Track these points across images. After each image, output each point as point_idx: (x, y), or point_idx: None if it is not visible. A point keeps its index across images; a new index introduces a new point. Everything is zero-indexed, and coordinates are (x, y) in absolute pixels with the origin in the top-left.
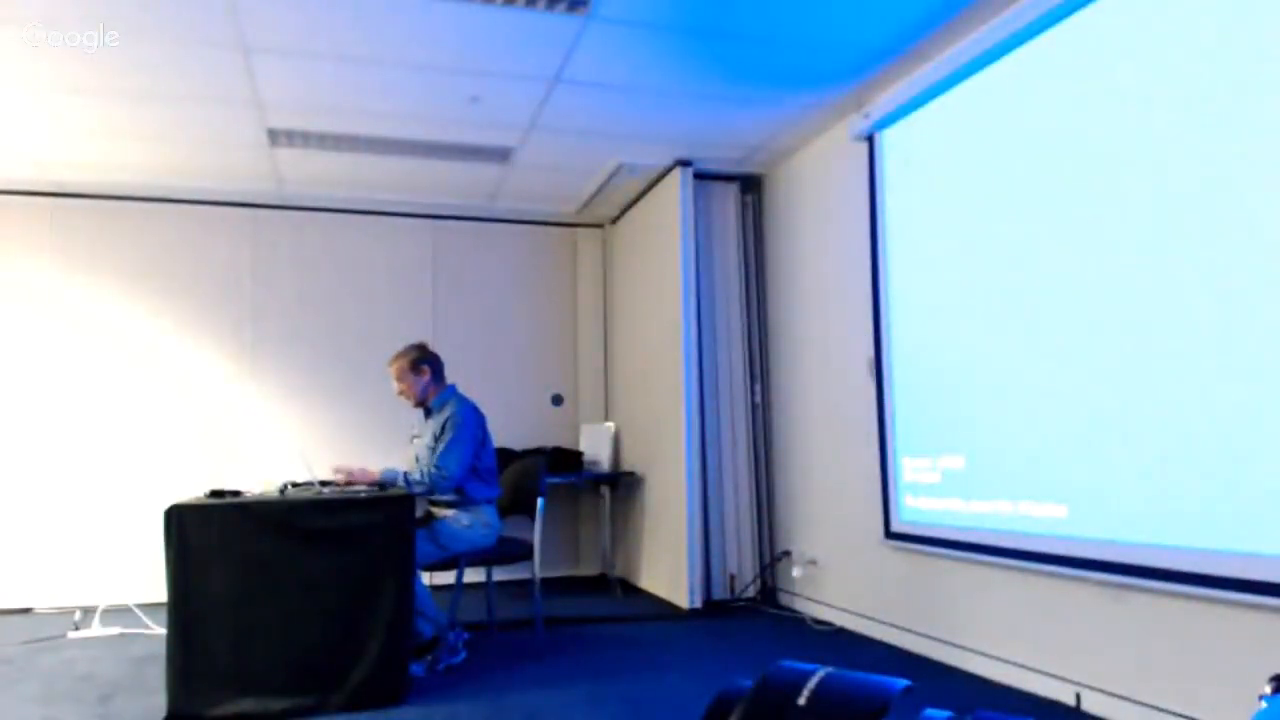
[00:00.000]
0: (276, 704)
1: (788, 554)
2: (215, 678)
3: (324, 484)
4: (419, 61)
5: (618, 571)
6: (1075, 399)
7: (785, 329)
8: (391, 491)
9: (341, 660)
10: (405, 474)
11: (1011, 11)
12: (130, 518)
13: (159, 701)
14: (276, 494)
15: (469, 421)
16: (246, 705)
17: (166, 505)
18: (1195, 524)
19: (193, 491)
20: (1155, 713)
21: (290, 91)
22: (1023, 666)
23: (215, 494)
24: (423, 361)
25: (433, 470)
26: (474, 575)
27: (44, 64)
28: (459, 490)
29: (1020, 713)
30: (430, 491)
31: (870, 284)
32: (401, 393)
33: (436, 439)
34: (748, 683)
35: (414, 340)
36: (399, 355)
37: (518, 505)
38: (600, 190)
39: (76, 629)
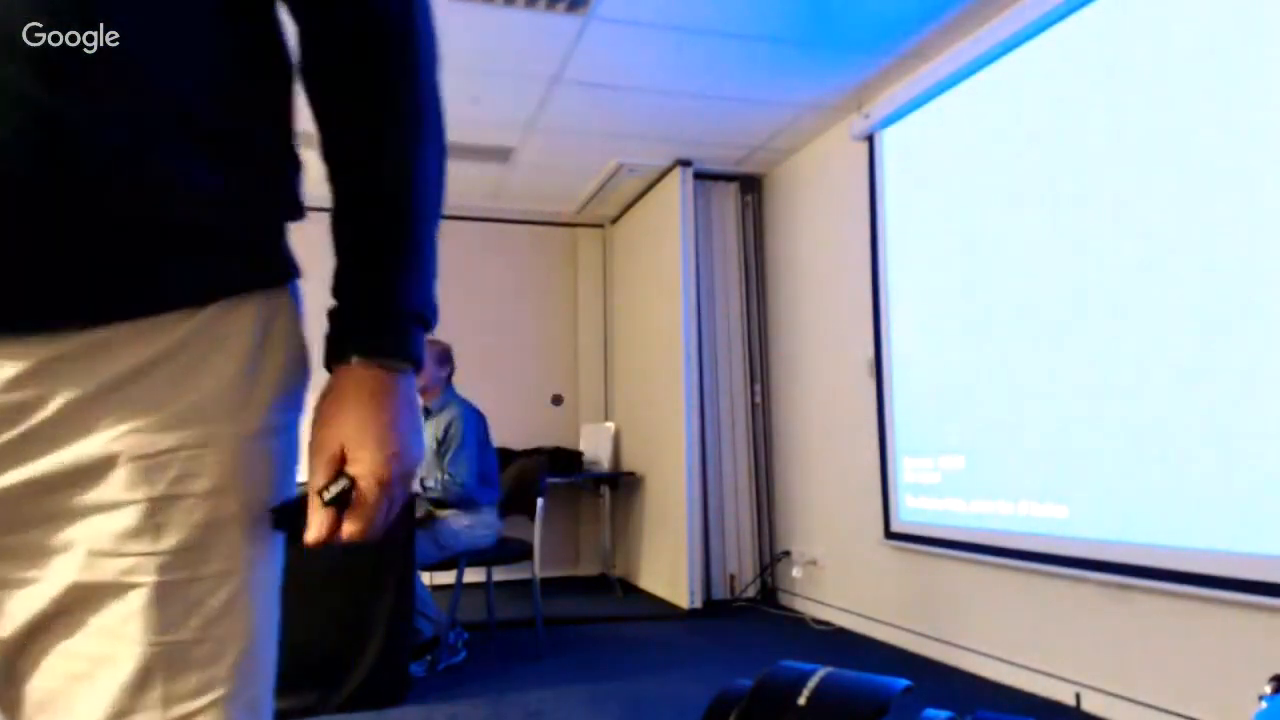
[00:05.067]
0: (276, 704)
1: (788, 554)
2: None
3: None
4: None
5: (618, 571)
6: (1075, 399)
7: (785, 329)
8: None
9: (341, 660)
10: (421, 481)
11: (1011, 11)
12: None
13: None
14: None
15: (471, 426)
16: None
17: None
18: (1195, 524)
19: None
20: (1155, 713)
21: None
22: (1023, 666)
23: None
24: (449, 359)
25: (446, 478)
26: (474, 575)
27: None
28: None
29: (1020, 713)
30: (443, 499)
31: (870, 284)
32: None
33: (440, 443)
34: (748, 683)
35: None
36: (432, 342)
37: (518, 505)
38: (600, 190)
39: None
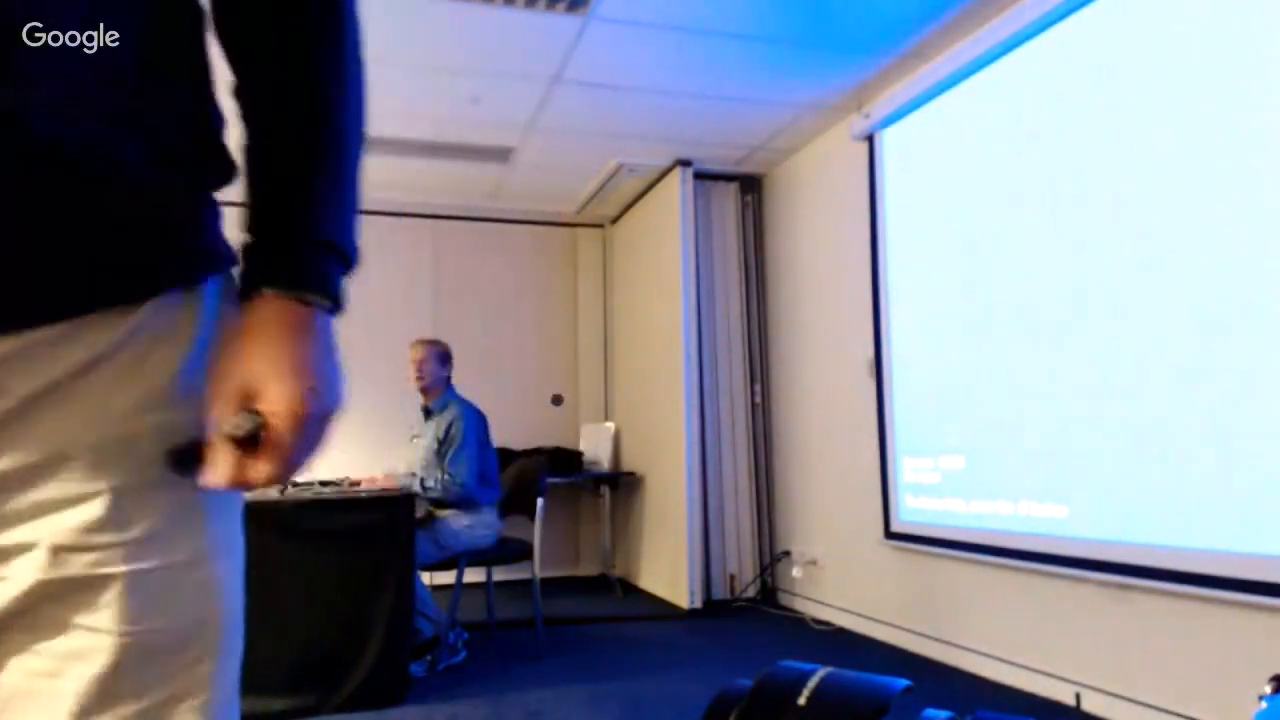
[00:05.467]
0: (276, 704)
1: (788, 554)
2: None
3: (324, 484)
4: (419, 61)
5: (618, 571)
6: (1075, 399)
7: (785, 329)
8: (391, 491)
9: (341, 660)
10: (421, 481)
11: (1011, 11)
12: None
13: None
14: (276, 494)
15: (472, 426)
16: (246, 705)
17: None
18: (1195, 524)
19: None
20: (1155, 713)
21: None
22: (1023, 666)
23: None
24: (449, 358)
25: (446, 478)
26: (474, 575)
27: None
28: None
29: (1020, 713)
30: (443, 499)
31: (870, 284)
32: (418, 375)
33: (440, 443)
34: (748, 683)
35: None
36: (434, 342)
37: (518, 505)
38: (600, 190)
39: None
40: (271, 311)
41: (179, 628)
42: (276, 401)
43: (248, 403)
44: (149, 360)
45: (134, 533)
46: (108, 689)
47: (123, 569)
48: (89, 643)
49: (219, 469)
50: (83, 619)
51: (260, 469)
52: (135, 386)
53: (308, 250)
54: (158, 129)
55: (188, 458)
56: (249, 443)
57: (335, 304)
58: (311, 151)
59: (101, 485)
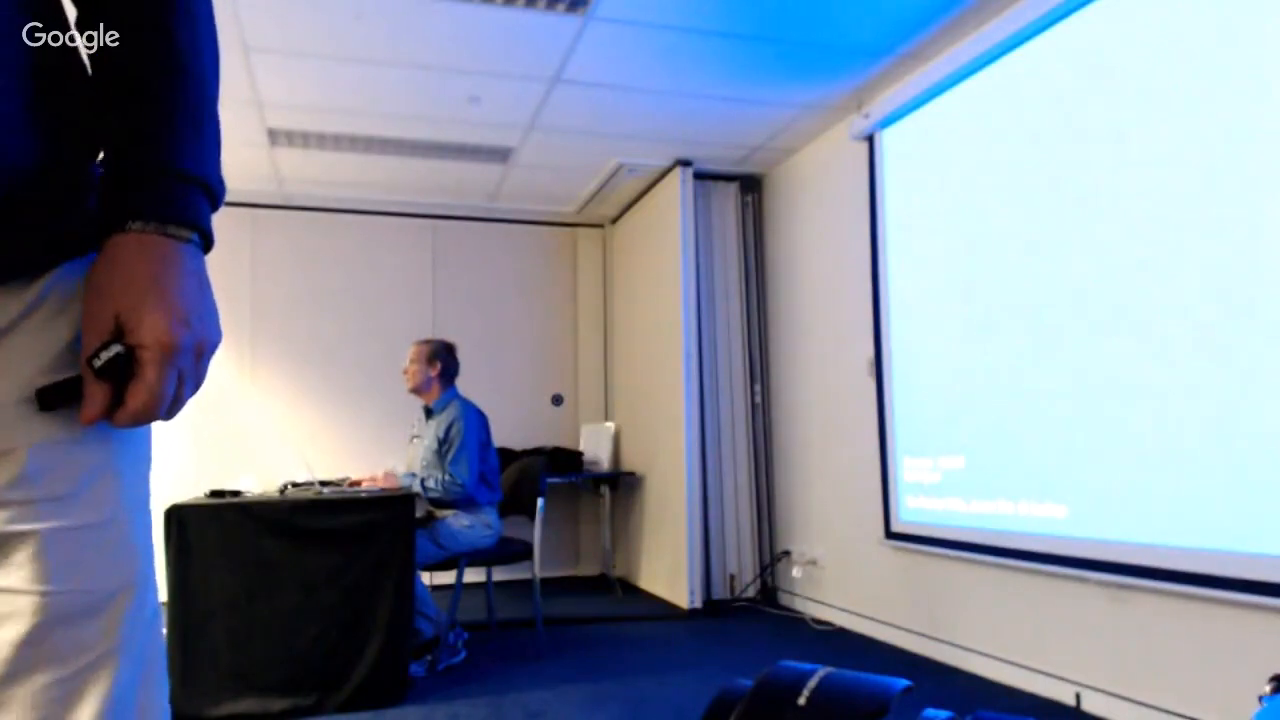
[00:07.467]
0: (276, 704)
1: (788, 554)
2: (215, 677)
3: (324, 484)
4: (419, 61)
5: (618, 571)
6: (1075, 399)
7: (785, 329)
8: (391, 491)
9: (341, 660)
10: (422, 481)
11: (1011, 12)
12: None
13: None
14: (276, 494)
15: (472, 427)
16: (246, 705)
17: (166, 505)
18: (1195, 524)
19: (193, 491)
20: (1155, 713)
21: (290, 91)
22: (1023, 666)
23: (215, 494)
24: (437, 357)
25: (446, 478)
26: (474, 575)
27: None
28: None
29: (1020, 713)
30: (443, 499)
31: (870, 284)
32: (406, 372)
33: (440, 443)
34: (748, 683)
35: (436, 338)
36: (426, 341)
37: (518, 505)
38: (600, 190)
39: None
40: (139, 246)
41: (100, 589)
42: (145, 333)
43: (118, 337)
44: (54, 324)
45: (50, 490)
46: (27, 655)
47: (39, 526)
48: (7, 605)
49: (88, 403)
50: (1, 580)
51: (132, 403)
52: (44, 349)
53: (173, 183)
54: (36, 108)
55: (59, 395)
56: (121, 377)
57: (203, 237)
58: (168, 87)
59: (20, 441)
